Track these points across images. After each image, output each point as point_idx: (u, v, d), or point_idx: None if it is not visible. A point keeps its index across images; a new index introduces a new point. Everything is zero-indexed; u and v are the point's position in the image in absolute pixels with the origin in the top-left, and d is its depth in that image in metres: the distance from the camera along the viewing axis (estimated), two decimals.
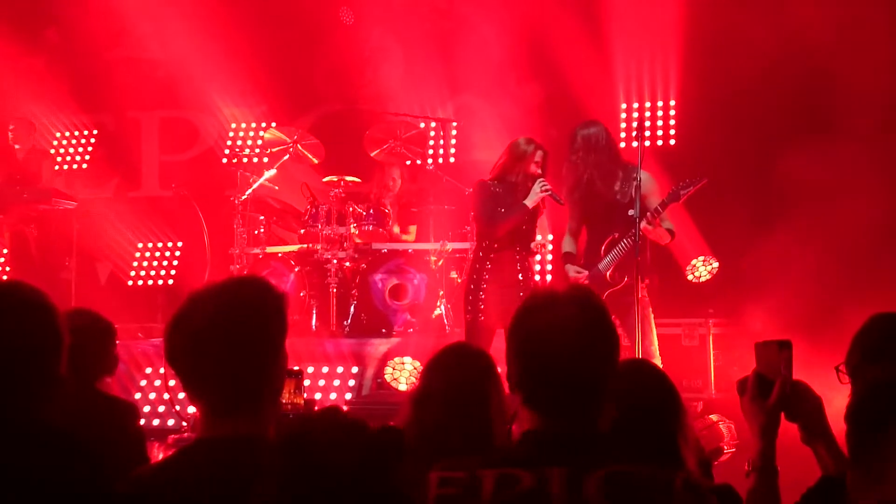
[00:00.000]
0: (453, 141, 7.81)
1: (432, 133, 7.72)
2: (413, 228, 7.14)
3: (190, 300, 1.67)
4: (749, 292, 6.04)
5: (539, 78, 7.50)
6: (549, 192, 4.81)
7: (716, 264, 6.14)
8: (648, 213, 4.67)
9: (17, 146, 7.03)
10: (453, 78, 7.63)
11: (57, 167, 7.94)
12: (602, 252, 4.92)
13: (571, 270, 5.00)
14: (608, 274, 4.89)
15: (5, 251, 7.26)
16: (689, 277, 6.19)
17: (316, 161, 6.98)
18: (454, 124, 7.67)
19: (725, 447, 3.21)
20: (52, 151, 8.16)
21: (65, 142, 8.43)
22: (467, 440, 1.96)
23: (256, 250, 6.81)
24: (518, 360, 1.63)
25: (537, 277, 6.48)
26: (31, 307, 1.66)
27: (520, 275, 4.87)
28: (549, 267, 7.13)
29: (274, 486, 1.43)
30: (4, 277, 7.18)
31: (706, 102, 7.16)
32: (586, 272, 4.94)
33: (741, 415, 1.91)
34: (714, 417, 3.58)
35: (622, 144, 6.80)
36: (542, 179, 4.82)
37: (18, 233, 6.90)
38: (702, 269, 6.16)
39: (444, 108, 7.73)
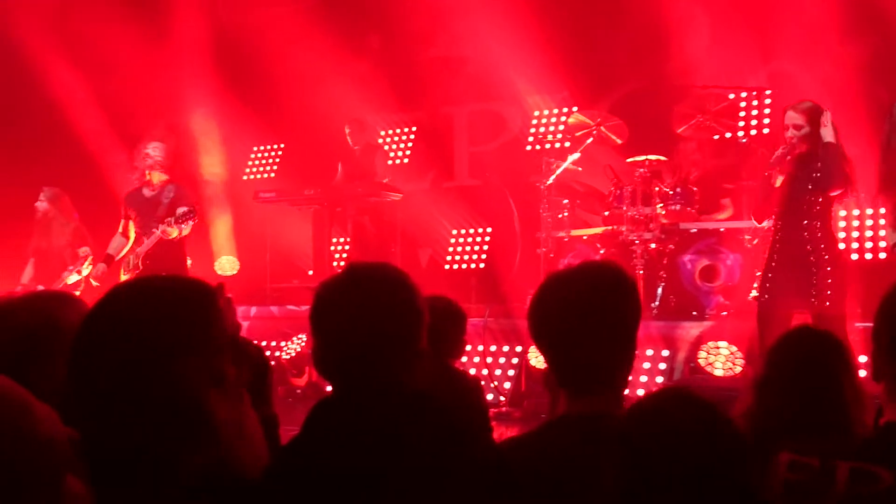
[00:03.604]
0: (767, 111, 7.29)
1: (743, 104, 7.27)
2: (727, 202, 6.79)
3: (548, 283, 1.74)
4: None
5: (864, 34, 6.71)
6: (787, 150, 4.42)
7: None
8: None
9: (355, 146, 7.81)
10: (766, 42, 7.09)
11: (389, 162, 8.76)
12: None
13: (892, 237, 4.51)
14: None
15: (348, 239, 8.13)
16: None
17: (619, 142, 6.93)
18: (768, 92, 7.15)
19: None
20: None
21: (388, 139, 9.25)
22: (819, 428, 1.86)
23: (562, 233, 6.95)
24: (891, 338, 1.49)
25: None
26: (400, 286, 1.78)
27: (811, 255, 4.42)
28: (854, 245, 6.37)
29: (620, 467, 1.40)
30: (342, 264, 8.10)
31: None
32: None
33: None
34: None
35: None
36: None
37: (358, 223, 7.72)
38: None
39: (756, 76, 7.24)
